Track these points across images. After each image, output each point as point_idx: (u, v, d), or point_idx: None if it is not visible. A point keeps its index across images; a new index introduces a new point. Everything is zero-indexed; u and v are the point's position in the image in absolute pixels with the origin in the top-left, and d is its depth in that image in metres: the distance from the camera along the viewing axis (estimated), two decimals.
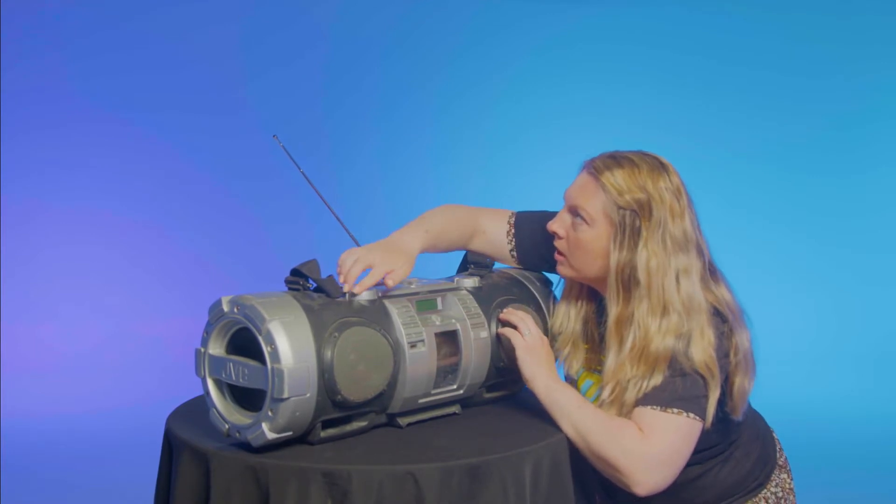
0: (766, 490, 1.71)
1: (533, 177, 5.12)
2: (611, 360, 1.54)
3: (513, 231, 1.80)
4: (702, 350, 1.48)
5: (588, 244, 1.57)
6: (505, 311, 1.65)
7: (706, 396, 1.48)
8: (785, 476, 1.75)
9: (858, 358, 4.78)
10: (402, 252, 1.58)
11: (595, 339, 1.70)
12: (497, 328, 1.64)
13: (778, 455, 1.76)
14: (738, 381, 1.54)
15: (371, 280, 1.49)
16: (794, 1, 5.14)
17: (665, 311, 1.50)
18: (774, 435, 1.81)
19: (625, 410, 1.51)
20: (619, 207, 1.54)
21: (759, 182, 5.17)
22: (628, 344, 1.52)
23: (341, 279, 1.50)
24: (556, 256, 1.65)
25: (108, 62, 5.02)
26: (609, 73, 5.26)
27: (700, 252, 1.58)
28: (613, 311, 1.55)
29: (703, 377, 1.48)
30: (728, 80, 5.21)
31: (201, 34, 5.11)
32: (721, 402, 1.55)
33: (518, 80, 5.38)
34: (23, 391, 4.47)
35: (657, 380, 1.48)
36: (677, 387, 1.47)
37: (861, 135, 5.13)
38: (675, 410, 1.46)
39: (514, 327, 1.61)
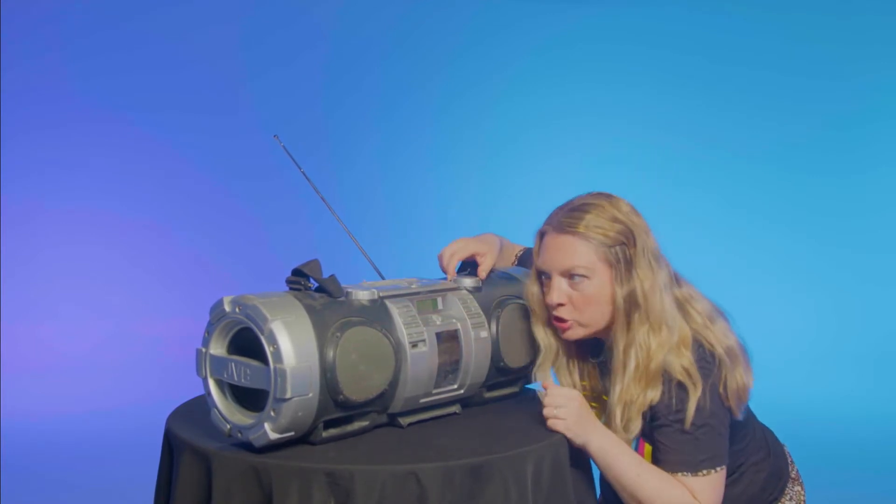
0: (780, 503, 1.74)
1: (533, 177, 5.12)
2: (617, 387, 1.56)
3: (516, 263, 1.91)
4: (682, 356, 1.53)
5: (596, 296, 1.57)
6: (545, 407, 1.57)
7: (725, 442, 1.55)
8: (799, 489, 1.78)
9: (858, 358, 4.78)
10: (490, 244, 1.78)
11: (595, 378, 1.71)
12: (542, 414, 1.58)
13: (790, 469, 1.78)
14: (728, 376, 1.55)
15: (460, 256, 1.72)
16: (794, 1, 5.14)
17: (660, 326, 1.54)
18: (786, 450, 1.82)
19: (632, 428, 1.54)
20: (610, 246, 1.55)
21: (759, 182, 5.18)
22: (632, 366, 1.54)
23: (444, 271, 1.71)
24: (560, 325, 1.63)
25: (108, 62, 5.02)
26: (609, 73, 5.27)
27: (665, 261, 1.62)
28: (621, 343, 1.56)
29: (689, 381, 1.52)
30: (728, 80, 5.21)
31: (201, 34, 5.11)
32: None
33: (518, 80, 5.38)
34: (23, 391, 4.47)
35: (655, 395, 1.52)
36: (697, 447, 1.52)
37: (861, 135, 5.13)
38: (705, 472, 1.52)
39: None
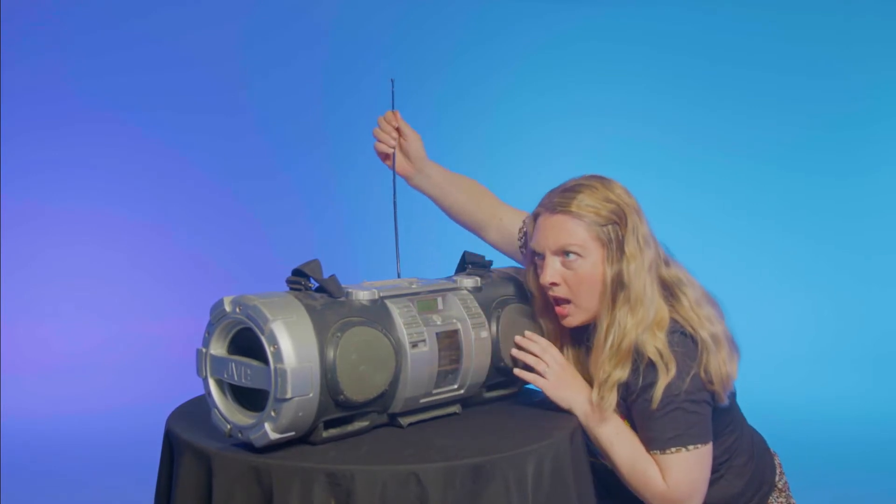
0: None
1: (533, 177, 5.11)
2: (594, 365, 1.58)
3: (525, 229, 1.84)
4: (656, 337, 1.53)
5: (589, 274, 1.58)
6: (514, 349, 1.64)
7: (701, 422, 1.53)
8: (783, 500, 1.75)
9: (857, 358, 4.77)
10: (436, 170, 1.93)
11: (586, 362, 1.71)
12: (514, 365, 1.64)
13: (777, 478, 1.76)
14: (710, 360, 1.54)
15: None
16: (793, 1, 5.14)
17: (639, 306, 1.54)
18: (777, 459, 1.80)
19: (605, 406, 1.54)
20: (602, 225, 1.57)
21: (758, 182, 5.17)
22: (608, 344, 1.55)
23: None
24: (560, 310, 1.63)
25: (107, 62, 5.02)
26: (609, 73, 5.27)
27: (656, 241, 1.63)
28: (604, 322, 1.57)
29: (661, 362, 1.52)
30: (728, 80, 5.21)
31: (201, 34, 5.11)
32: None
33: (518, 80, 5.38)
34: (23, 391, 4.46)
35: (623, 373, 1.53)
36: (664, 425, 1.52)
37: (860, 135, 5.13)
38: (673, 450, 1.51)
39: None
